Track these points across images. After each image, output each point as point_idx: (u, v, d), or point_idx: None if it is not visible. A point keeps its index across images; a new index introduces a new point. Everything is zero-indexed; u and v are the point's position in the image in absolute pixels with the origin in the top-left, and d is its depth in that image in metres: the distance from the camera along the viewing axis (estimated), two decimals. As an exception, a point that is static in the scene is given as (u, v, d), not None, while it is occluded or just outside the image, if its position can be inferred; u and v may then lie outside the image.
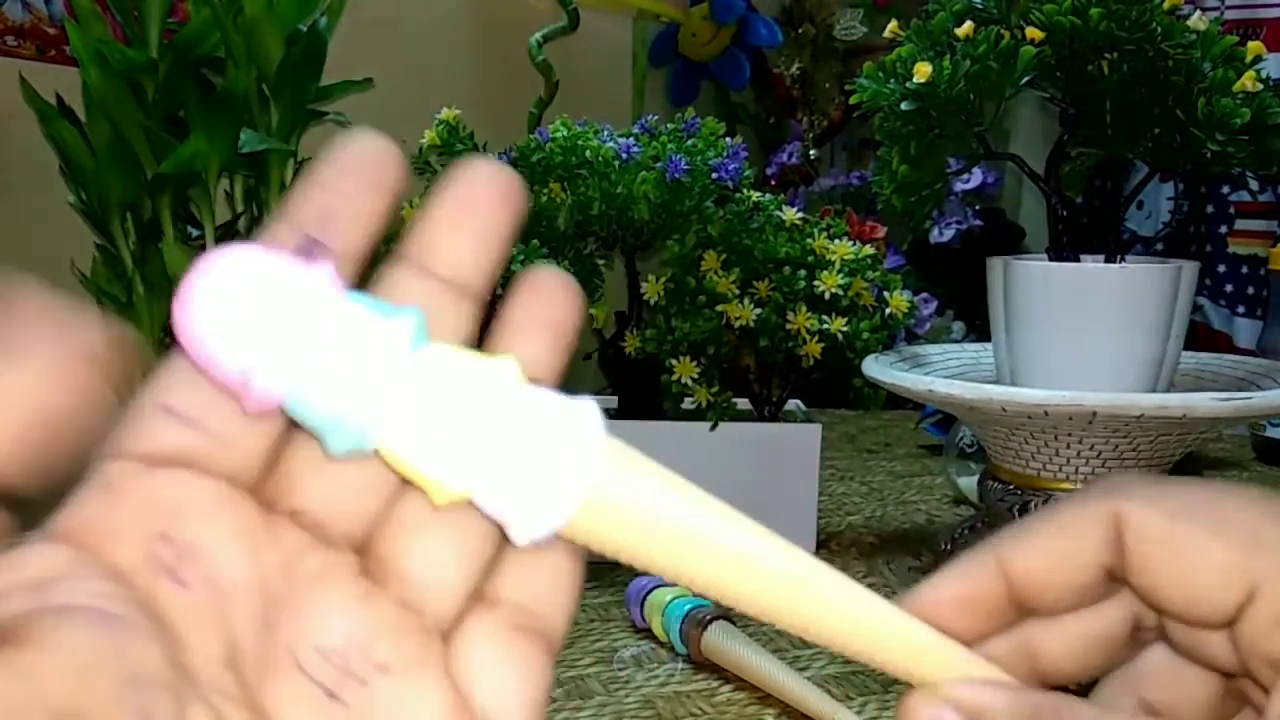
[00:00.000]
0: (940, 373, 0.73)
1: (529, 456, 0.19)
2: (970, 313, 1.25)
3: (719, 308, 0.73)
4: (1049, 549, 0.24)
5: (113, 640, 0.16)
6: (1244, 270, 1.34)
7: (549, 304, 0.21)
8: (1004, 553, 0.24)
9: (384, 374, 0.18)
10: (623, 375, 0.82)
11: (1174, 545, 0.22)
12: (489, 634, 0.20)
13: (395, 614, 0.19)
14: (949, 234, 1.29)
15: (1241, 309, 1.34)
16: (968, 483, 0.88)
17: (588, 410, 0.20)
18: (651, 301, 0.78)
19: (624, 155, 0.76)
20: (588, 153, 0.76)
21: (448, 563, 0.20)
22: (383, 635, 0.19)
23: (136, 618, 0.17)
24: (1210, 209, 1.35)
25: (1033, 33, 0.62)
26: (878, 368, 0.69)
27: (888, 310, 0.77)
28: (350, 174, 0.20)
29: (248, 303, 0.18)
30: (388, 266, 0.21)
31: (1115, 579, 0.23)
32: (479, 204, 0.21)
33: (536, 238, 0.75)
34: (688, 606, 0.62)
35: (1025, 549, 0.24)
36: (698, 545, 0.20)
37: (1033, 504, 0.66)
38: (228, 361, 0.18)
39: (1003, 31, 0.62)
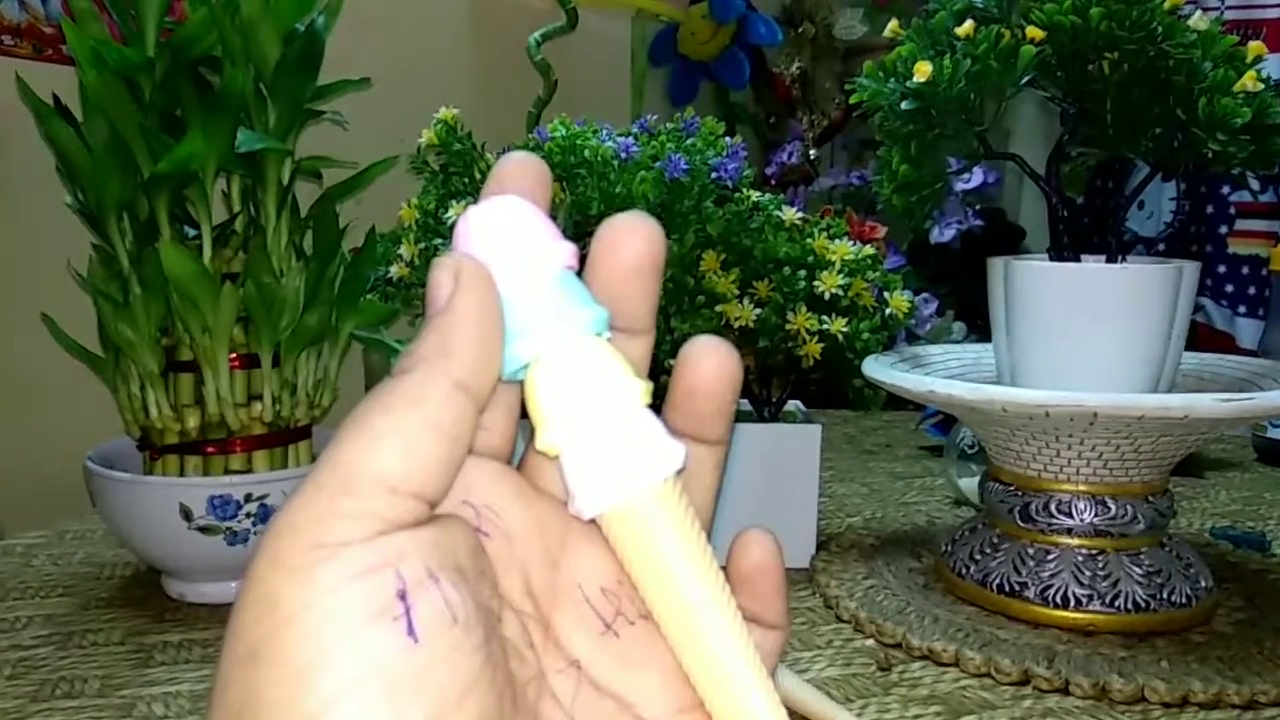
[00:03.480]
0: (941, 373, 0.73)
1: (612, 449, 0.23)
2: (971, 313, 1.24)
3: (718, 308, 0.73)
4: None
5: (476, 542, 0.22)
6: (1245, 271, 1.34)
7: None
8: None
9: (554, 337, 0.23)
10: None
11: None
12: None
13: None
14: (949, 234, 1.29)
15: (1243, 309, 1.34)
16: (968, 484, 0.88)
17: (677, 451, 0.24)
18: (650, 302, 0.77)
19: (623, 155, 0.75)
20: (586, 152, 0.76)
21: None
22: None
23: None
24: (1211, 209, 1.35)
25: (1033, 32, 0.62)
26: (878, 368, 0.69)
27: (888, 311, 0.76)
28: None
29: (497, 245, 0.23)
30: None
31: None
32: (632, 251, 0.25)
33: (535, 238, 0.75)
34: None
35: None
36: (673, 597, 0.23)
37: (1033, 505, 0.66)
38: (485, 257, 0.23)
39: (1003, 31, 0.62)
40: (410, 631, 0.19)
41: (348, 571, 0.19)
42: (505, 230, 0.23)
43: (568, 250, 0.24)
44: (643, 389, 0.24)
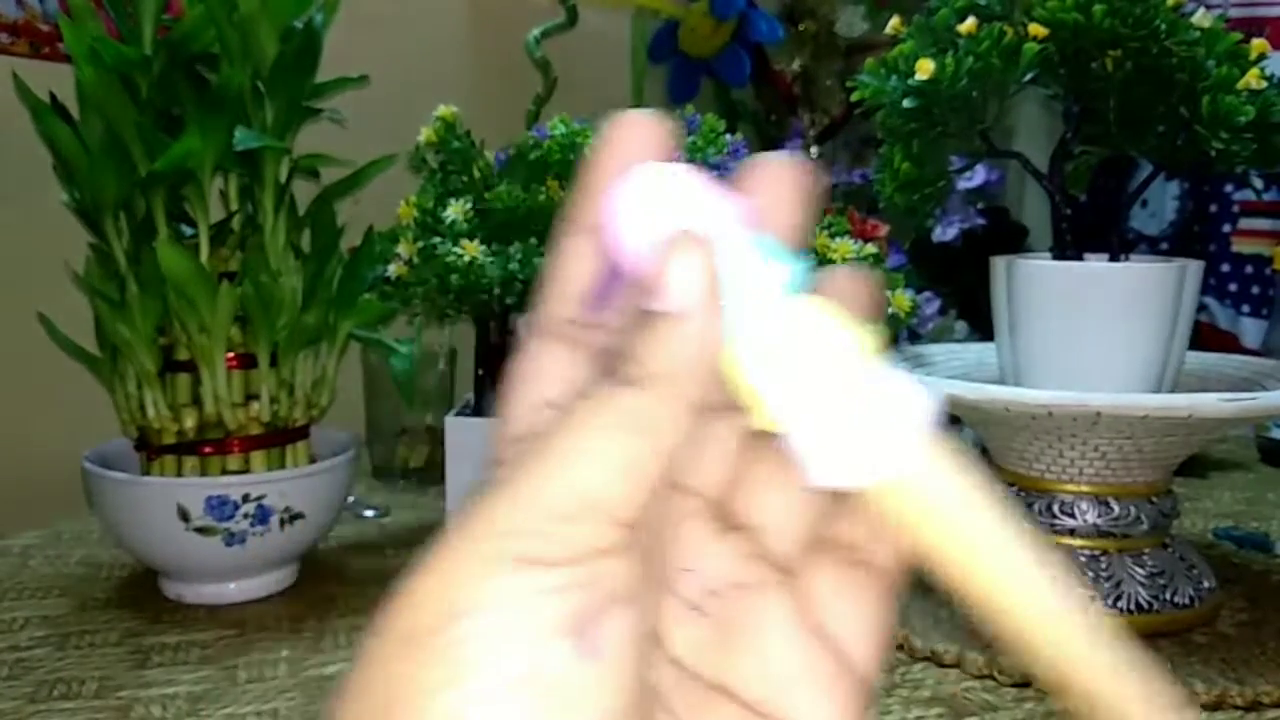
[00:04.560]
0: (943, 373, 0.72)
1: (851, 411, 0.20)
2: (973, 312, 1.24)
3: (719, 307, 0.73)
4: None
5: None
6: (1248, 270, 1.33)
7: (784, 180, 0.22)
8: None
9: (753, 303, 0.20)
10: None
11: None
12: (826, 565, 0.22)
13: (746, 545, 0.22)
14: (952, 233, 1.29)
15: (1246, 308, 1.33)
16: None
17: (925, 394, 0.21)
18: (651, 301, 0.77)
19: (623, 153, 0.75)
20: (586, 150, 0.75)
21: (786, 512, 0.23)
22: (739, 561, 0.22)
23: None
24: (1214, 208, 1.35)
25: (1036, 29, 0.61)
26: (879, 368, 0.68)
27: (890, 309, 0.76)
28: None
29: (662, 214, 0.20)
30: None
31: None
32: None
33: (535, 236, 0.75)
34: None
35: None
36: (973, 558, 0.21)
37: (1035, 506, 0.65)
38: (633, 251, 0.20)
39: (1006, 28, 0.62)
40: (589, 651, 0.18)
41: (540, 586, 0.18)
42: (670, 197, 0.21)
43: (744, 206, 0.21)
44: (868, 339, 0.21)
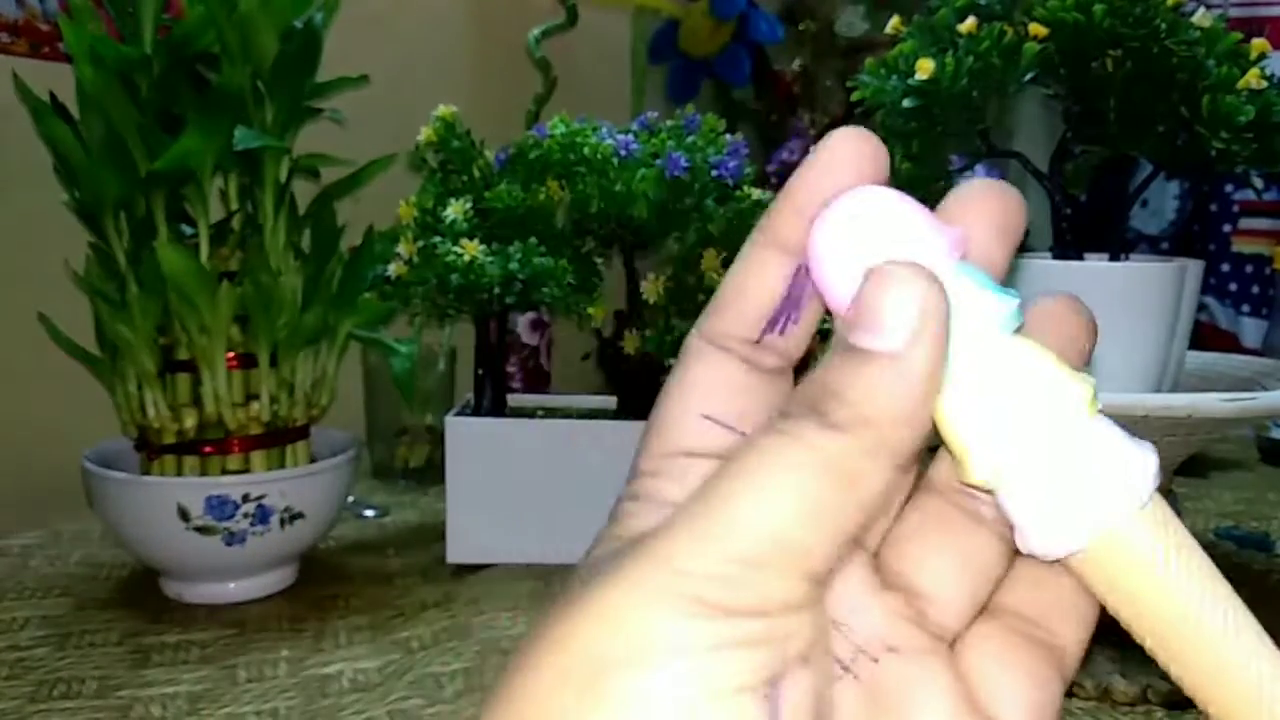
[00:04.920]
0: (942, 373, 0.72)
1: (1071, 471, 0.19)
2: (972, 311, 1.24)
3: (719, 307, 0.73)
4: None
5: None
6: (1249, 269, 1.33)
7: (995, 207, 0.21)
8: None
9: (965, 343, 0.19)
10: (622, 375, 0.81)
11: None
12: (991, 637, 0.21)
13: (905, 607, 0.21)
14: (951, 232, 1.29)
15: (1246, 308, 1.33)
16: (970, 483, 0.87)
17: (1147, 453, 0.19)
18: (651, 301, 0.77)
19: (623, 152, 0.75)
20: (586, 150, 0.75)
21: (953, 577, 0.21)
22: (894, 622, 0.20)
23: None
24: (1214, 207, 1.35)
25: (1036, 29, 0.61)
26: (879, 368, 0.68)
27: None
28: (833, 187, 0.21)
29: (872, 242, 0.19)
30: None
31: None
32: (975, 241, 0.21)
33: (534, 235, 0.75)
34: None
35: None
36: (1187, 627, 0.19)
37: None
38: (842, 288, 0.19)
39: (1006, 28, 0.61)
40: (770, 715, 0.17)
41: (728, 637, 0.17)
42: (881, 225, 0.19)
43: (955, 236, 0.19)
44: (1088, 391, 0.19)
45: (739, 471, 0.18)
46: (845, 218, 0.19)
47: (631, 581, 0.17)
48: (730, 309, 0.21)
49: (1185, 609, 0.19)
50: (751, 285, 0.21)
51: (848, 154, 0.20)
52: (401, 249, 0.76)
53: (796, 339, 0.22)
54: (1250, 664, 0.19)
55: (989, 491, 0.20)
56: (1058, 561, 0.20)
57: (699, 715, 0.16)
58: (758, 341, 0.21)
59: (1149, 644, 0.20)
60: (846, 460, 0.18)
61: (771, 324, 0.21)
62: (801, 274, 0.21)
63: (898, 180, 0.71)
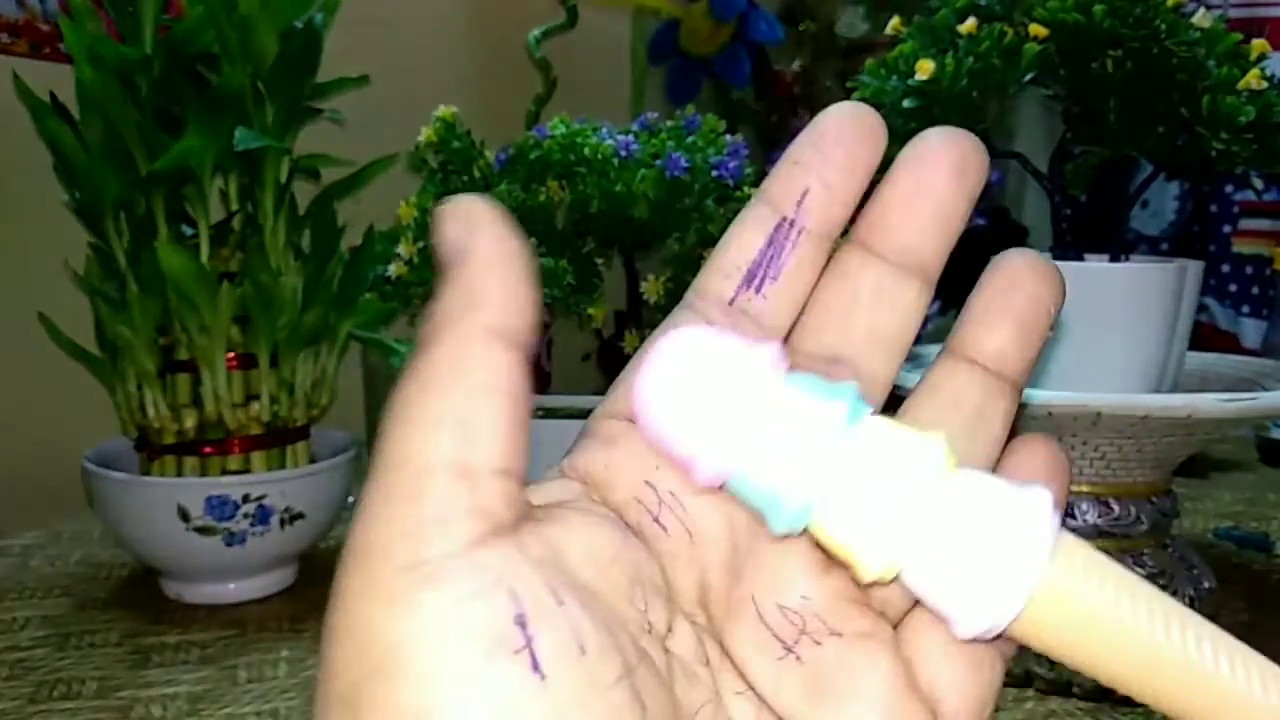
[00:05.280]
0: (942, 373, 0.72)
1: (968, 546, 0.19)
2: (972, 312, 1.24)
3: (719, 307, 0.73)
4: None
5: (625, 543, 0.19)
6: (1249, 270, 1.33)
7: (1018, 292, 0.22)
8: None
9: (818, 456, 0.19)
10: (622, 375, 0.81)
11: None
12: (934, 621, 0.20)
13: (848, 589, 0.20)
14: (951, 232, 1.29)
15: (1246, 309, 1.33)
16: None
17: (1035, 500, 0.19)
18: (651, 301, 0.77)
19: (623, 153, 0.75)
20: (586, 150, 0.75)
21: None
22: (838, 604, 0.20)
23: (635, 540, 0.19)
24: (1214, 208, 1.35)
25: (1036, 30, 0.61)
26: (879, 368, 0.68)
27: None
28: (826, 150, 0.21)
29: (697, 388, 0.19)
30: (842, 251, 0.22)
31: None
32: (931, 182, 0.21)
33: (534, 236, 0.75)
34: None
35: None
36: (1145, 655, 0.19)
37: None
38: (677, 442, 0.19)
39: (1006, 28, 0.61)
40: (535, 668, 0.16)
41: (455, 594, 0.17)
42: (700, 363, 0.19)
43: (773, 352, 0.19)
44: (942, 446, 0.19)
45: (386, 426, 0.18)
46: (665, 364, 0.19)
47: (350, 579, 0.18)
48: (712, 264, 0.22)
49: (1139, 637, 0.19)
50: (734, 240, 0.22)
51: (847, 126, 0.21)
52: (402, 249, 0.76)
53: (778, 306, 0.21)
54: (1227, 668, 0.19)
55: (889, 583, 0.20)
56: (1000, 638, 0.20)
57: (459, 702, 0.16)
58: (732, 302, 0.21)
59: (1121, 687, 0.19)
60: (447, 356, 0.18)
61: (749, 278, 0.21)
62: (784, 227, 0.21)
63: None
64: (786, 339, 0.22)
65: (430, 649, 0.16)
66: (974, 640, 0.19)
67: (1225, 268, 1.34)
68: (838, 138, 0.21)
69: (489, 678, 0.16)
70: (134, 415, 0.69)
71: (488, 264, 0.18)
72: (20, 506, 0.88)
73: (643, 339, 0.75)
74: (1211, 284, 1.34)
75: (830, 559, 0.20)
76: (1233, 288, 1.34)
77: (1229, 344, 1.30)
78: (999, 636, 0.20)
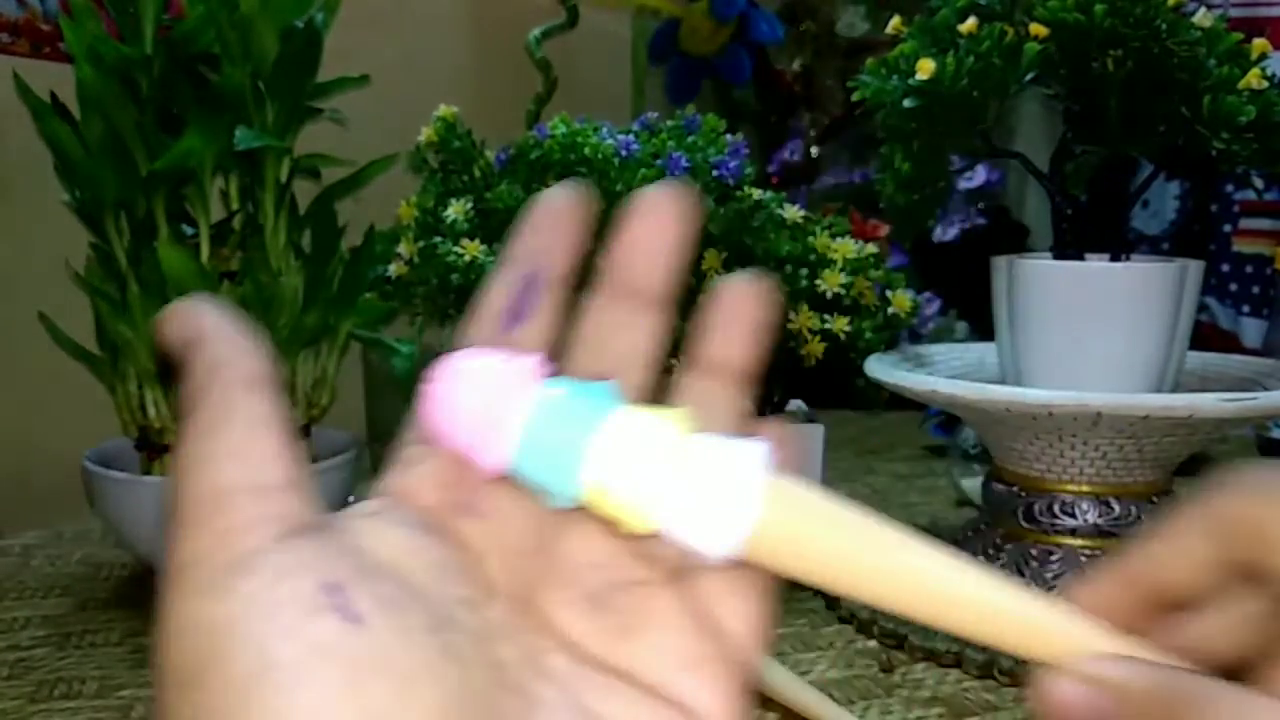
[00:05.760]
0: (944, 373, 0.72)
1: (702, 489, 0.23)
2: (974, 312, 1.24)
3: (719, 307, 0.73)
4: (1172, 558, 0.24)
5: (429, 537, 0.22)
6: (1249, 270, 1.33)
7: (742, 309, 0.26)
8: (1132, 562, 0.25)
9: (579, 440, 0.23)
10: (622, 375, 0.81)
11: None
12: (714, 569, 0.24)
13: (638, 546, 0.24)
14: (952, 233, 1.29)
15: (1247, 308, 1.33)
16: (971, 484, 0.87)
17: (754, 451, 0.23)
18: (651, 301, 0.77)
19: (623, 152, 0.75)
20: (586, 150, 0.75)
21: None
22: (630, 559, 0.24)
23: (442, 534, 0.23)
24: (1215, 207, 1.35)
25: (1037, 29, 0.61)
26: (881, 368, 0.68)
27: (890, 310, 0.76)
28: (551, 220, 0.26)
29: (472, 393, 0.23)
30: (594, 295, 0.27)
31: (1255, 576, 0.23)
32: (653, 230, 0.26)
33: (535, 236, 0.75)
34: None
35: (1152, 553, 0.24)
36: (853, 565, 0.23)
37: (1036, 506, 0.65)
38: (460, 440, 0.23)
39: (1006, 28, 0.62)
40: (351, 617, 0.19)
41: (268, 577, 0.19)
42: (473, 372, 0.24)
43: (534, 360, 0.24)
44: (680, 421, 0.23)
45: (175, 474, 0.21)
46: (446, 377, 0.24)
47: (174, 589, 0.21)
48: (474, 316, 0.26)
49: (849, 547, 0.23)
50: (491, 292, 0.26)
51: (556, 200, 0.26)
52: (402, 249, 0.76)
53: (534, 339, 0.26)
54: (925, 560, 0.23)
55: (655, 535, 0.23)
56: (744, 562, 0.23)
57: (285, 649, 0.18)
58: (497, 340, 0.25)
59: (844, 593, 0.23)
60: (213, 407, 0.22)
61: (511, 313, 0.26)
62: (530, 277, 0.26)
63: (897, 180, 0.71)
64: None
65: (255, 622, 0.19)
66: (722, 563, 0.23)
67: (1225, 267, 1.34)
68: (554, 211, 0.26)
69: (311, 630, 0.19)
70: (134, 415, 0.69)
71: (218, 337, 0.23)
72: (21, 506, 0.88)
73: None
74: (1212, 283, 1.34)
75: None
76: (1233, 287, 1.34)
77: (1229, 344, 1.30)
78: (747, 564, 0.23)
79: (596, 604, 0.24)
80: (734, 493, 0.23)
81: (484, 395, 0.23)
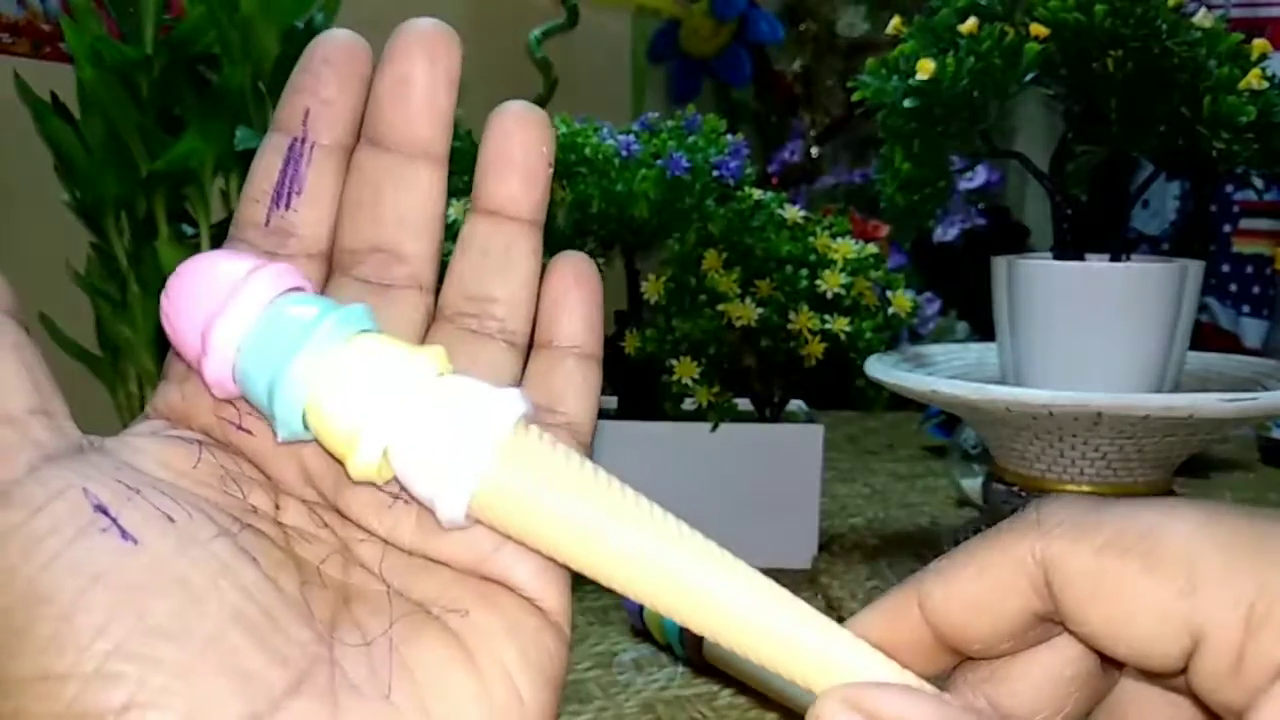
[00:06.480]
0: (944, 373, 0.72)
1: (433, 443, 0.20)
2: (974, 312, 1.24)
3: (720, 307, 0.73)
4: (967, 596, 0.22)
5: (205, 453, 0.22)
6: (1249, 270, 1.33)
7: (513, 142, 0.26)
8: (924, 596, 0.22)
9: (312, 363, 0.21)
10: (622, 375, 0.81)
11: (1104, 588, 0.19)
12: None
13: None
14: (953, 233, 1.29)
15: (1247, 309, 1.33)
16: (972, 484, 0.87)
17: (503, 399, 0.21)
18: (651, 301, 0.77)
19: (624, 153, 0.75)
20: (587, 150, 0.76)
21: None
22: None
23: (225, 447, 0.23)
24: (1215, 207, 1.35)
25: (1037, 29, 0.61)
26: (880, 368, 0.68)
27: (890, 310, 0.76)
28: (323, 74, 0.24)
29: (209, 302, 0.21)
30: (355, 151, 0.25)
31: (1052, 622, 0.21)
32: (409, 74, 0.25)
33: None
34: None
35: (944, 594, 0.22)
36: (591, 541, 0.21)
37: (1036, 506, 0.65)
38: (191, 348, 0.22)
39: (1007, 28, 0.62)
40: (125, 536, 0.19)
41: (31, 505, 0.19)
42: (207, 275, 0.22)
43: (270, 273, 0.22)
44: (434, 358, 0.21)
45: None
46: (177, 282, 0.22)
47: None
48: (244, 195, 0.24)
49: (578, 522, 0.21)
50: (257, 169, 0.24)
51: (332, 48, 0.24)
52: (402, 249, 0.76)
53: (309, 217, 0.24)
54: (650, 519, 0.21)
55: (387, 482, 0.22)
56: (479, 522, 0.22)
57: (59, 574, 0.18)
58: (268, 223, 0.24)
59: (570, 565, 0.21)
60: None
61: (276, 198, 0.23)
62: (296, 146, 0.23)
63: (897, 180, 0.71)
64: (331, 247, 0.24)
65: (24, 553, 0.18)
66: (452, 526, 0.21)
67: (1226, 267, 1.34)
68: (324, 59, 0.24)
69: (83, 553, 0.18)
70: (134, 415, 0.69)
71: None
72: (21, 506, 0.88)
73: (643, 339, 0.76)
74: (1212, 284, 1.34)
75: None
76: (1233, 287, 1.34)
77: (1230, 344, 1.30)
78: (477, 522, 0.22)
79: (398, 500, 0.23)
80: (466, 444, 0.20)
81: (205, 308, 0.21)
